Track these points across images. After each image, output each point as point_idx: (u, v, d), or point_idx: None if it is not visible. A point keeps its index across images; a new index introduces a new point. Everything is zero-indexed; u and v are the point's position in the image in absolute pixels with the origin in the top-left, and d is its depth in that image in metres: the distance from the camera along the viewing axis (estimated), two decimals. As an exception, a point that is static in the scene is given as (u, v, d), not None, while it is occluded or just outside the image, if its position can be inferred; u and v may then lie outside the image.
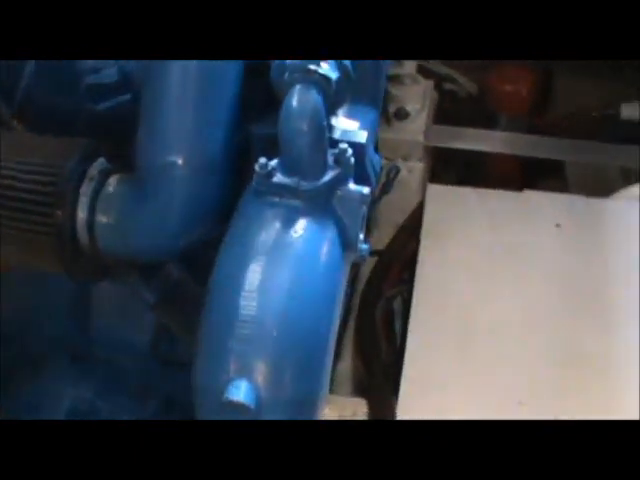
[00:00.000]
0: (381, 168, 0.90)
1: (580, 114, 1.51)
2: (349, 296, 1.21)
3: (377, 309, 1.23)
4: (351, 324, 1.23)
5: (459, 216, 1.29)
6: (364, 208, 0.75)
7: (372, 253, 1.18)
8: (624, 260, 1.22)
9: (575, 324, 1.16)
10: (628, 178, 1.38)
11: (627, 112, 1.44)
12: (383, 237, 1.32)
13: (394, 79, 1.37)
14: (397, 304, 1.25)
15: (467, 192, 1.32)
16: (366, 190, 0.75)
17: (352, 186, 0.74)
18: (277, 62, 0.75)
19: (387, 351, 1.20)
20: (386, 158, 1.30)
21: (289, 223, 0.72)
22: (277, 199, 0.73)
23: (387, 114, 1.35)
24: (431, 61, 1.49)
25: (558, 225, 1.27)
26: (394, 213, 1.33)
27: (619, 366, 1.12)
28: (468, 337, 1.16)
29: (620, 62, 1.33)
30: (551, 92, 1.53)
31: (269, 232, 0.72)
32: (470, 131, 1.40)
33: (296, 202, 0.73)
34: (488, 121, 1.50)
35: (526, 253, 1.24)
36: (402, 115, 1.36)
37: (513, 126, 1.48)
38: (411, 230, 1.30)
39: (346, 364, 1.20)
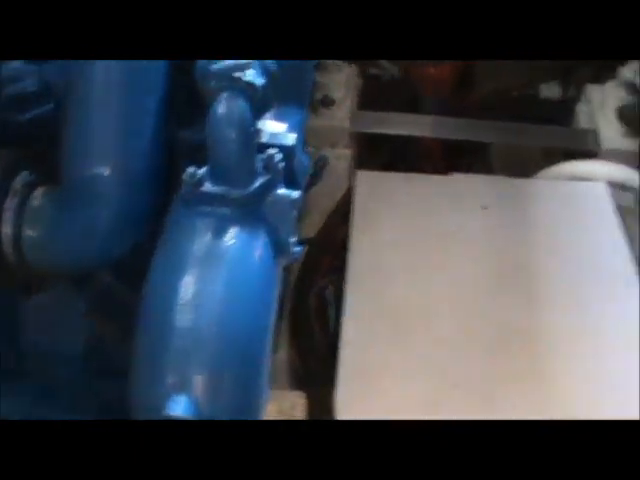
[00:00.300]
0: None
1: (501, 94, 1.53)
2: (283, 288, 1.21)
3: (310, 299, 1.24)
4: (285, 315, 1.23)
5: (388, 201, 1.30)
6: (294, 212, 0.75)
7: (303, 242, 1.19)
8: (549, 238, 1.25)
9: (505, 303, 1.18)
10: (550, 158, 1.41)
11: (546, 92, 1.47)
12: (313, 224, 1.32)
13: (319, 66, 1.37)
14: (329, 292, 1.26)
15: (395, 177, 1.33)
16: (295, 194, 0.75)
17: (282, 191, 0.74)
18: (201, 66, 0.75)
19: (322, 340, 1.21)
20: (313, 146, 1.30)
21: (220, 232, 0.72)
22: (207, 208, 0.73)
23: (313, 102, 1.35)
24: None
25: (484, 207, 1.29)
26: (323, 200, 1.33)
27: (549, 344, 1.14)
28: (402, 322, 1.17)
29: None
30: (473, 73, 1.54)
31: (201, 242, 0.71)
32: (395, 115, 1.41)
33: (226, 210, 0.73)
34: (413, 104, 1.51)
35: (455, 235, 1.25)
36: (328, 102, 1.36)
37: (437, 109, 1.49)
38: (340, 217, 1.31)
39: (282, 356, 1.20)
